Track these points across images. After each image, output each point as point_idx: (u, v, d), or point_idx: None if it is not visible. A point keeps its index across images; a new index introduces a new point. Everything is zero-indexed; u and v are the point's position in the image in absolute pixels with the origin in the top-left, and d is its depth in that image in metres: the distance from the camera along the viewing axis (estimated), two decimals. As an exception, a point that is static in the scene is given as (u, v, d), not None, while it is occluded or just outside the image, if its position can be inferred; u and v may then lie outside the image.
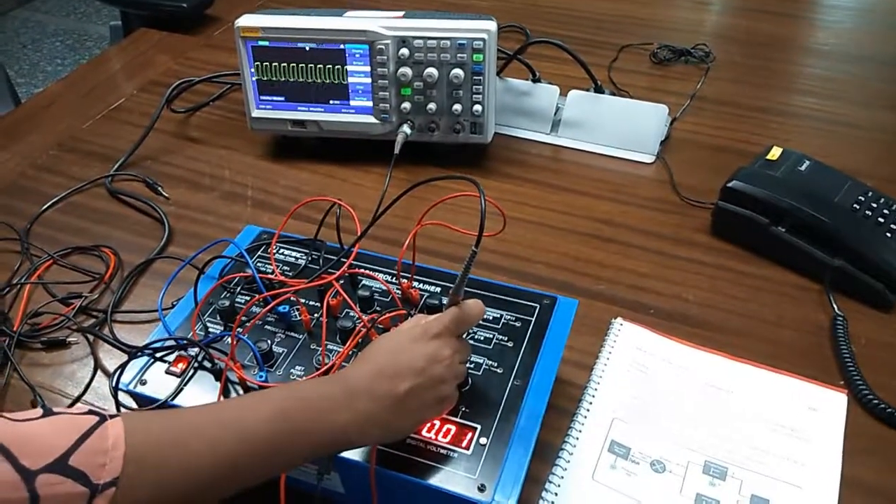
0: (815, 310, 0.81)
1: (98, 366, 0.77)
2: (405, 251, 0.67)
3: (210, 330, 0.67)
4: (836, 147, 1.03)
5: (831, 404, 0.71)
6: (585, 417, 0.69)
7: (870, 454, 0.67)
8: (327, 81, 0.99)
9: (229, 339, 0.63)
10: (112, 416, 0.45)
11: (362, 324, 0.64)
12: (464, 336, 0.60)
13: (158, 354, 0.65)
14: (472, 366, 0.63)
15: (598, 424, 0.68)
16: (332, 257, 0.72)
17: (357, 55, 0.97)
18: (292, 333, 0.67)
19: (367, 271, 0.72)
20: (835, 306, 0.79)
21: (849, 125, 1.09)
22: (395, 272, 0.72)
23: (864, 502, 0.63)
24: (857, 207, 0.84)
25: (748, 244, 0.88)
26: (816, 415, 0.70)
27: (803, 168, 0.89)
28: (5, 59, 2.96)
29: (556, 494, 0.63)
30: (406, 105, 0.98)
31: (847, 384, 0.72)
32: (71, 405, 0.73)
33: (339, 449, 0.53)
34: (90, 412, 0.45)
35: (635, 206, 0.96)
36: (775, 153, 0.92)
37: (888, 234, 0.82)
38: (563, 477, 0.64)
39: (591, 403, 0.70)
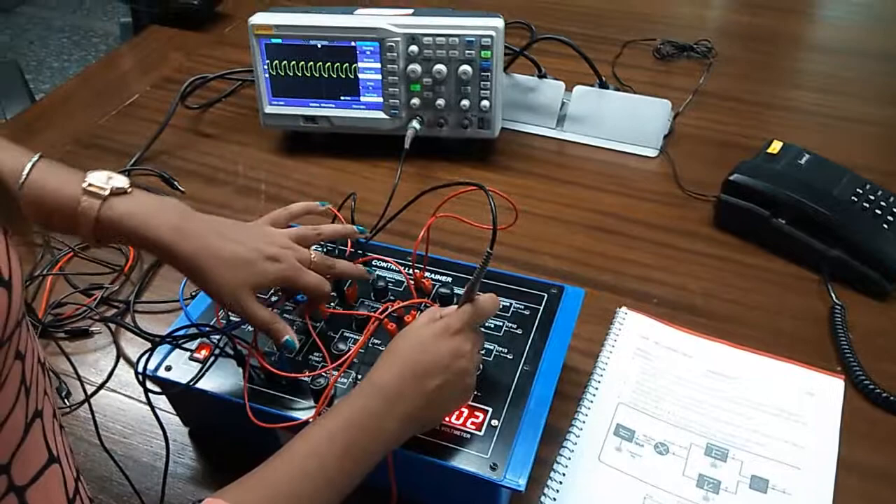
0: (815, 299, 0.83)
1: (120, 354, 0.80)
2: (419, 243, 0.69)
3: (231, 318, 0.70)
4: (835, 141, 1.06)
5: (829, 389, 0.73)
6: (591, 402, 0.72)
7: (865, 437, 0.70)
8: (338, 78, 1.02)
9: (250, 328, 0.66)
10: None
11: (378, 313, 0.67)
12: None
13: (182, 342, 0.67)
14: (483, 351, 0.66)
15: (603, 409, 0.71)
16: (344, 248, 0.74)
17: (367, 52, 0.99)
18: (310, 322, 0.70)
19: (383, 258, 0.74)
20: (833, 296, 0.82)
21: (848, 120, 1.11)
22: (407, 263, 0.74)
23: (860, 483, 0.66)
24: (855, 200, 0.87)
25: (749, 236, 0.90)
26: (814, 399, 0.72)
27: (803, 161, 0.92)
28: (12, 55, 2.99)
29: (563, 475, 0.66)
30: (415, 101, 1.00)
31: (844, 370, 0.75)
32: (94, 393, 0.76)
33: (389, 451, 0.56)
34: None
35: (639, 200, 0.98)
36: (776, 147, 0.94)
37: (885, 226, 0.84)
38: (570, 458, 0.67)
39: (596, 389, 0.73)
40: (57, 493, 0.41)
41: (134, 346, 0.81)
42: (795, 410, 0.71)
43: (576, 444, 0.68)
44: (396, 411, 0.54)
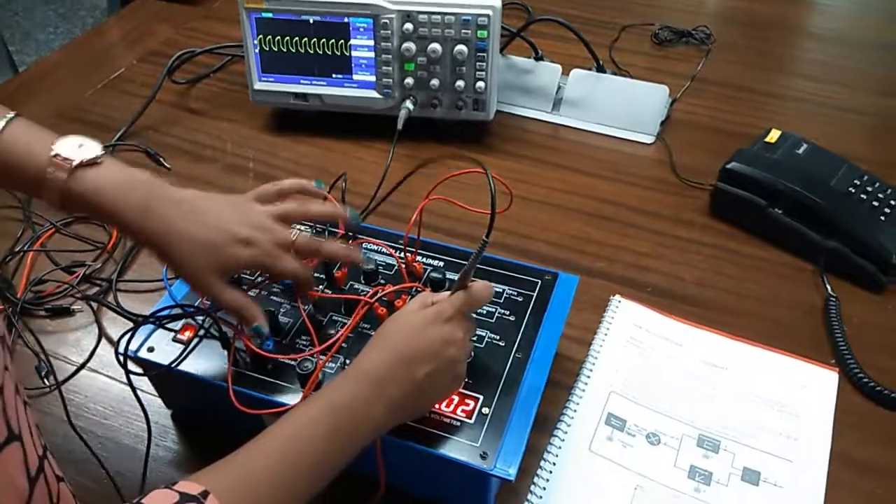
0: (810, 290, 0.82)
1: (102, 334, 0.78)
2: (411, 226, 0.67)
3: (216, 299, 0.68)
4: (833, 130, 1.04)
5: (823, 382, 0.72)
6: (583, 391, 0.71)
7: (859, 430, 0.69)
8: (331, 55, 0.99)
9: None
10: (204, 495, 0.44)
11: (367, 296, 0.65)
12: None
13: (165, 322, 0.65)
14: (475, 338, 0.64)
15: (595, 398, 0.70)
16: (335, 230, 0.72)
17: (361, 29, 0.97)
18: (296, 304, 0.68)
19: (374, 240, 0.73)
20: (828, 287, 0.81)
21: (846, 109, 1.10)
22: (398, 246, 0.73)
23: (853, 476, 0.65)
24: (853, 191, 0.86)
25: (745, 225, 0.89)
26: (808, 392, 0.72)
27: (801, 151, 0.91)
28: (-3, 26, 2.92)
29: (553, 464, 0.65)
30: (409, 80, 0.98)
31: (838, 363, 0.74)
32: (76, 373, 0.74)
33: (376, 437, 0.54)
34: (184, 497, 0.43)
35: (635, 186, 0.97)
36: (774, 136, 0.93)
37: (882, 218, 0.84)
38: (560, 448, 0.66)
39: (588, 378, 0.72)
40: (17, 472, 0.39)
41: (116, 326, 0.79)
42: (789, 403, 0.70)
43: (566, 432, 0.67)
44: (383, 397, 0.52)
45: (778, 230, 0.86)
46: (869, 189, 0.86)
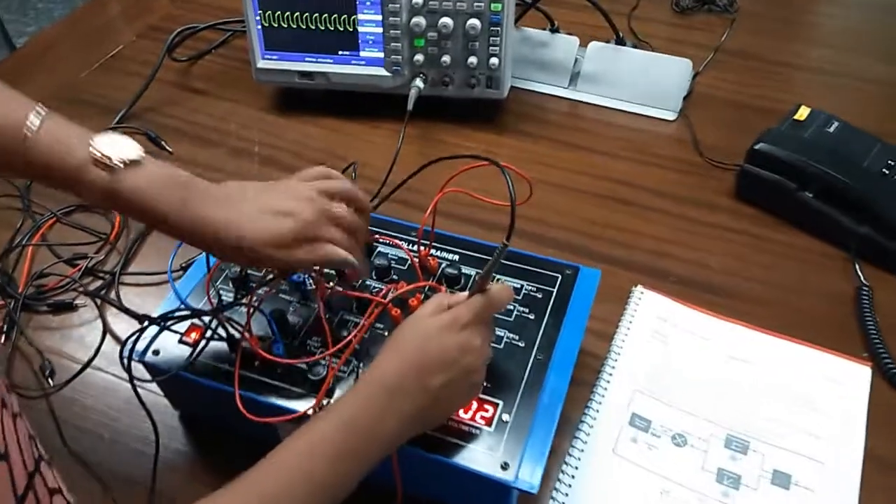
0: (840, 279, 0.79)
1: (107, 330, 0.76)
2: (425, 220, 0.64)
3: (223, 298, 0.66)
4: (861, 104, 1.00)
5: (855, 377, 0.69)
6: (606, 390, 0.68)
7: (893, 428, 0.66)
8: (336, 30, 0.95)
9: (243, 309, 0.61)
10: None
11: (380, 296, 0.62)
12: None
13: (171, 324, 0.63)
14: (492, 339, 0.61)
15: (618, 397, 0.67)
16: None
17: (368, 3, 0.92)
18: (307, 303, 0.65)
19: (388, 238, 0.69)
20: (861, 275, 0.77)
21: (877, 82, 1.05)
22: (410, 239, 0.69)
23: (887, 478, 0.63)
24: (886, 172, 0.81)
25: (772, 209, 0.85)
26: (839, 388, 0.69)
27: (832, 129, 0.86)
28: (-6, -6, 2.86)
29: (576, 468, 0.62)
30: (419, 57, 0.94)
31: (871, 357, 0.71)
32: (80, 372, 0.72)
33: (391, 451, 0.52)
34: None
35: (656, 167, 0.92)
36: (803, 113, 0.88)
37: (918, 202, 0.80)
38: (583, 450, 0.63)
39: (611, 375, 0.69)
40: (3, 492, 0.37)
41: (121, 321, 0.76)
42: (820, 400, 0.68)
43: (589, 434, 0.65)
44: (397, 409, 0.50)
45: (807, 215, 0.82)
46: (904, 169, 0.82)
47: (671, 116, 0.99)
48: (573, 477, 0.62)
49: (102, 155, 0.51)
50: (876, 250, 0.79)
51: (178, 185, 0.53)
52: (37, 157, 0.51)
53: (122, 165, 0.51)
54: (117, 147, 0.52)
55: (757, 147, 0.83)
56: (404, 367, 0.51)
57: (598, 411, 0.66)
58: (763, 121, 0.93)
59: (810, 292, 0.78)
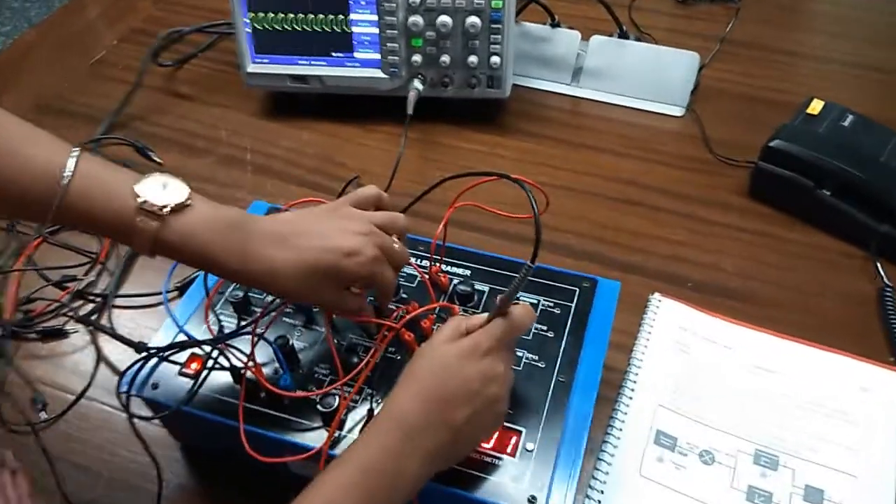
0: (861, 279, 0.76)
1: (101, 357, 0.72)
2: (437, 235, 0.61)
3: (223, 324, 0.62)
4: (874, 96, 0.97)
5: (884, 384, 0.67)
6: (628, 406, 0.65)
7: (926, 438, 0.64)
8: (330, 31, 0.91)
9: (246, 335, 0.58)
10: None
11: (391, 318, 0.59)
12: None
13: (169, 355, 0.59)
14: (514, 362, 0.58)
15: (641, 413, 0.65)
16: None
17: (362, 2, 0.88)
18: (312, 326, 0.62)
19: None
20: (883, 275, 0.75)
21: (888, 71, 1.02)
22: (418, 254, 0.66)
23: (923, 492, 0.60)
24: (906, 167, 0.79)
25: (789, 208, 0.82)
26: (869, 396, 0.66)
27: (846, 123, 0.83)
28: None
29: (602, 493, 0.60)
30: (417, 58, 0.90)
31: (898, 361, 0.69)
32: (75, 402, 0.68)
33: (414, 494, 0.48)
34: None
35: (665, 165, 0.89)
36: (816, 107, 0.85)
37: (939, 196, 0.77)
38: (608, 473, 0.61)
39: (633, 391, 0.66)
40: None
41: (117, 346, 0.72)
42: (850, 409, 0.65)
43: (613, 455, 0.62)
44: (419, 449, 0.47)
45: (825, 213, 0.80)
46: (923, 164, 0.79)
47: (678, 112, 0.96)
48: (599, 502, 0.59)
49: (149, 203, 0.47)
50: (898, 249, 0.76)
51: (232, 227, 0.50)
52: (74, 206, 0.46)
53: (170, 207, 0.47)
54: (163, 189, 0.48)
55: (772, 144, 0.81)
56: (424, 403, 0.47)
57: (621, 430, 0.63)
58: (773, 114, 0.90)
59: (830, 294, 0.75)
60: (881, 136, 0.82)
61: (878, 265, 0.76)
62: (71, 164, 0.46)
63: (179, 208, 0.48)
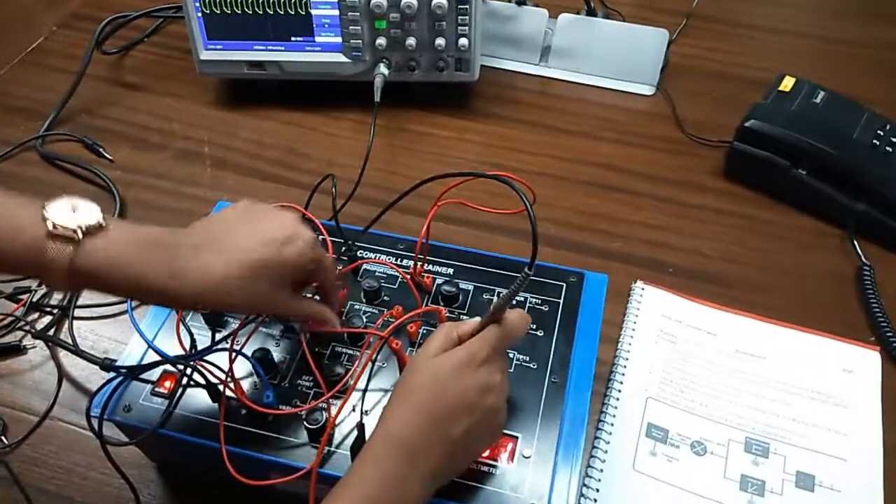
0: (840, 258, 0.76)
1: (63, 374, 0.68)
2: (422, 236, 0.58)
3: (195, 338, 0.58)
4: (841, 70, 0.97)
5: (866, 364, 0.67)
6: (618, 399, 0.64)
7: (908, 416, 0.65)
8: (287, 14, 0.86)
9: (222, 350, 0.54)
10: None
11: (375, 325, 0.56)
12: None
13: (139, 373, 0.56)
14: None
15: (632, 406, 0.64)
16: (328, 238, 0.62)
17: (321, -16, 0.84)
18: (292, 335, 0.59)
19: (377, 259, 0.63)
20: (860, 254, 0.75)
21: (855, 44, 1.02)
22: (397, 252, 0.63)
23: (909, 470, 0.61)
24: (878, 143, 0.79)
25: (765, 188, 0.82)
26: (852, 377, 0.67)
27: (818, 100, 0.83)
28: None
29: (597, 490, 0.59)
30: (381, 41, 0.86)
31: (878, 340, 0.69)
32: (39, 424, 0.64)
33: None
34: None
35: (639, 147, 0.88)
36: (788, 84, 0.85)
37: (912, 173, 0.78)
38: (602, 470, 0.60)
39: (621, 384, 0.65)
40: None
41: (79, 361, 0.68)
42: (833, 392, 0.65)
43: (606, 451, 0.61)
44: (419, 468, 0.45)
45: (801, 193, 0.79)
46: (894, 139, 0.79)
47: (649, 91, 0.94)
48: (595, 501, 0.58)
49: (59, 225, 0.42)
50: (874, 227, 0.76)
51: (155, 243, 0.45)
52: None
53: (83, 229, 0.42)
54: (73, 213, 0.43)
55: (748, 124, 0.80)
56: (423, 422, 0.45)
57: (612, 424, 0.62)
58: (742, 91, 0.89)
59: (810, 275, 0.75)
60: (852, 112, 0.82)
61: (856, 244, 0.76)
62: None
63: (93, 230, 0.43)
